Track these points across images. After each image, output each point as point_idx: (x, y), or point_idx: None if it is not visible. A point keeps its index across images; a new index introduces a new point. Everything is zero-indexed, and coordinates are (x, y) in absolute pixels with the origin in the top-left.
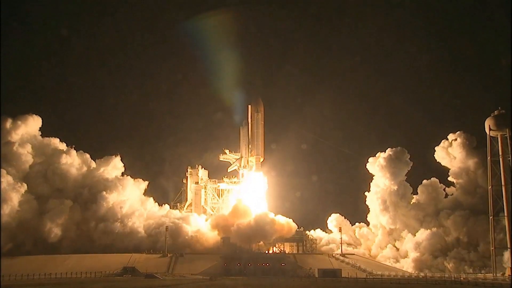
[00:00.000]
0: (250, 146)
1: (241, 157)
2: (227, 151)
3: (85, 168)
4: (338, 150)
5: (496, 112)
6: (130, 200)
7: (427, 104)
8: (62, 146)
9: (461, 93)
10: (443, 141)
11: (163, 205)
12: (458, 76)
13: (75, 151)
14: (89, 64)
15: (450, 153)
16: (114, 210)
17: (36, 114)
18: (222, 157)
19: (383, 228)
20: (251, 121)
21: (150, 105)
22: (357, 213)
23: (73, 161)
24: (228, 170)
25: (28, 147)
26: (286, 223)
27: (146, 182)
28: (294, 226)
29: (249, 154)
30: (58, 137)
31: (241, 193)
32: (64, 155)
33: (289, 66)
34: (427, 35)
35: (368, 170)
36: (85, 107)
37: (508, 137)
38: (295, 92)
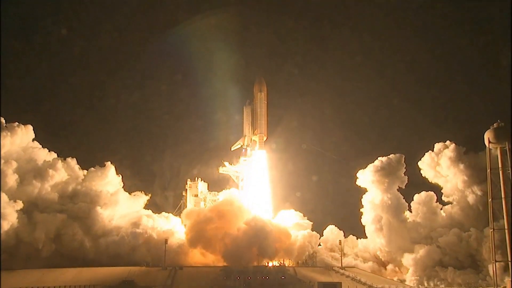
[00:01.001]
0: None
1: (245, 136)
2: (226, 163)
3: (76, 181)
4: (334, 158)
5: (495, 125)
6: (121, 213)
7: (420, 111)
8: (52, 156)
9: (457, 100)
10: (429, 152)
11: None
12: (454, 82)
13: (65, 163)
14: (86, 66)
15: (439, 171)
16: (104, 224)
17: (25, 123)
18: (221, 170)
19: (380, 251)
20: (254, 100)
21: (148, 114)
22: (351, 224)
23: (63, 175)
24: (232, 149)
25: (13, 165)
26: (303, 241)
27: (147, 196)
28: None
29: (252, 132)
30: (48, 146)
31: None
32: (52, 169)
33: (288, 67)
34: (426, 38)
35: (359, 185)
36: (81, 115)
37: (507, 150)
38: (294, 92)
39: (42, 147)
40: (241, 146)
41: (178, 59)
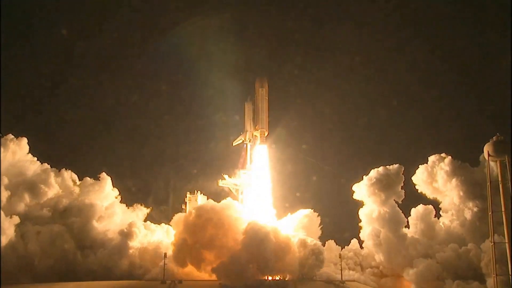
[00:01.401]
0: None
1: (246, 131)
2: (226, 176)
3: (70, 195)
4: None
5: (494, 138)
6: (118, 226)
7: (417, 114)
8: (44, 167)
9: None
10: (424, 166)
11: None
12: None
13: (59, 176)
14: (85, 69)
15: (435, 186)
16: (98, 238)
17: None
18: (221, 183)
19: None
20: (256, 96)
21: (146, 126)
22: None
23: (56, 190)
24: (233, 144)
25: (5, 181)
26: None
27: (147, 209)
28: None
29: (254, 128)
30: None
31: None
32: (44, 184)
33: (289, 67)
34: (427, 39)
35: (356, 199)
36: (76, 125)
37: (507, 163)
38: (294, 93)
39: (37, 156)
40: (243, 141)
41: (178, 61)
